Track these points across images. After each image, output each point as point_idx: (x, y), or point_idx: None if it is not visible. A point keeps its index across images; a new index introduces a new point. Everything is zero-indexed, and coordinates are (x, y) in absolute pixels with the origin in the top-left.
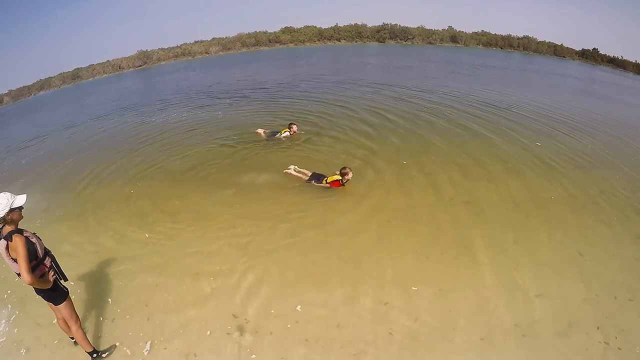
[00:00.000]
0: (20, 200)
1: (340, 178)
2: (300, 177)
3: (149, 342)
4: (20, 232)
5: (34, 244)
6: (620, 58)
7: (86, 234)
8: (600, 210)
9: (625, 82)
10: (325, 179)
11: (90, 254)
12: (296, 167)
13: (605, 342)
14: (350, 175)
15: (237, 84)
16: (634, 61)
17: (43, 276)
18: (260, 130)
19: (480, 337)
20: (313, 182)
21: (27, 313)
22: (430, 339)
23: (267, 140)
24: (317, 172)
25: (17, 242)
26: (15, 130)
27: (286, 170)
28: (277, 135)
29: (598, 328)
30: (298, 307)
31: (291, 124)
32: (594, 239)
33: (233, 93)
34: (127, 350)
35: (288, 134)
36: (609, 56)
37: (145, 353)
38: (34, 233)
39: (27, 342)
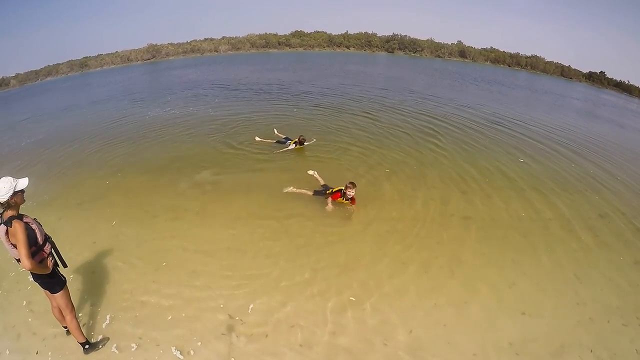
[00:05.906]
0: (22, 183)
1: (342, 189)
2: (304, 193)
3: (141, 338)
4: (20, 217)
5: (34, 230)
6: (626, 83)
7: (85, 223)
8: (599, 233)
9: (629, 106)
10: (331, 189)
11: (89, 244)
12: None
13: None
14: (351, 193)
15: (240, 82)
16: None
17: (42, 262)
18: (259, 139)
19: (473, 353)
20: (315, 194)
21: (20, 300)
22: (424, 352)
23: (273, 146)
24: (326, 185)
25: (17, 227)
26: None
27: (287, 190)
28: (286, 143)
29: (591, 351)
30: (294, 313)
31: (302, 139)
32: (592, 262)
33: (240, 90)
34: (117, 345)
35: (294, 146)
36: (615, 80)
37: (136, 349)
38: (34, 219)
39: (18, 329)
